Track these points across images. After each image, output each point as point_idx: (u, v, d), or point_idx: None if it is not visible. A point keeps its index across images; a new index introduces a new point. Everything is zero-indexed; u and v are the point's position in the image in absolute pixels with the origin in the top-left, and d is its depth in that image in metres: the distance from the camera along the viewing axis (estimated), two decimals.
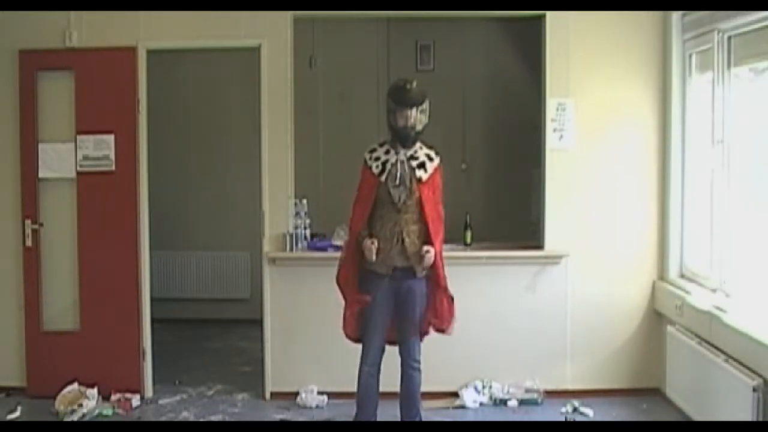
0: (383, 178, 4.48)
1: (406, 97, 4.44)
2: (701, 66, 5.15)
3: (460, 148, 7.44)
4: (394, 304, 4.53)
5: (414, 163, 4.50)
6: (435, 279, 4.54)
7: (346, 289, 4.58)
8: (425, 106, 4.49)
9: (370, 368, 4.56)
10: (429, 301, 4.56)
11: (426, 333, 4.64)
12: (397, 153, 4.52)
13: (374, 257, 4.43)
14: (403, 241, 4.45)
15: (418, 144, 4.56)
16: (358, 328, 4.60)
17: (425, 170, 4.50)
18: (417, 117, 4.45)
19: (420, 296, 4.53)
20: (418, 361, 4.56)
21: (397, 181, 4.46)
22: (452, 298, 4.59)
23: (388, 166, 4.49)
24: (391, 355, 4.60)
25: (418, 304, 4.53)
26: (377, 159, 4.54)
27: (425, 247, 4.42)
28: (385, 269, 4.49)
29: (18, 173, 5.60)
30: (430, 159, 4.54)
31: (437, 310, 4.57)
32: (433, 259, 4.44)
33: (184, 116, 7.75)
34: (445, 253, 5.57)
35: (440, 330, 4.63)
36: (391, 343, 4.61)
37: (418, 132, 4.50)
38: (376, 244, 4.43)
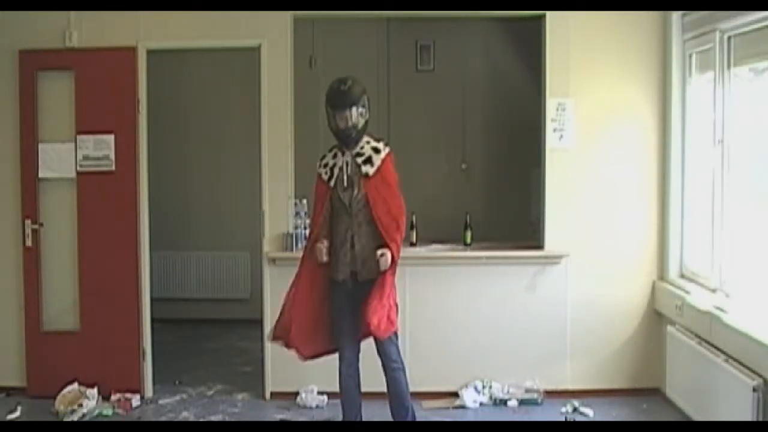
0: (332, 183, 4.45)
1: (342, 99, 4.39)
2: (701, 66, 5.15)
3: (460, 148, 7.45)
4: (358, 305, 4.44)
5: (360, 160, 4.45)
6: (381, 279, 4.37)
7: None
8: (364, 101, 4.43)
9: (347, 369, 4.55)
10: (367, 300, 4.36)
11: (365, 335, 4.47)
12: (343, 154, 4.49)
13: (324, 258, 4.42)
14: (353, 245, 4.42)
15: (365, 139, 4.51)
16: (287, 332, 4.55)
17: (371, 164, 4.43)
18: (356, 116, 4.40)
19: None
20: (397, 361, 4.52)
21: (345, 184, 4.43)
22: (397, 306, 4.47)
23: (336, 170, 4.46)
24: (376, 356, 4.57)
25: None
26: (326, 165, 4.51)
27: (380, 251, 4.35)
28: (341, 275, 4.47)
29: (18, 173, 5.60)
30: (377, 151, 4.47)
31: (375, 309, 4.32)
32: (389, 262, 4.34)
33: (184, 116, 7.75)
34: (445, 253, 5.63)
35: (370, 333, 4.37)
36: (367, 335, 4.52)
37: (361, 130, 4.45)
38: (326, 244, 4.42)
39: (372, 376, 4.57)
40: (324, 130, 7.74)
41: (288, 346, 4.61)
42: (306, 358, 4.64)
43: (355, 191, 4.42)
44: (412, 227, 5.70)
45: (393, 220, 4.42)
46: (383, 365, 4.52)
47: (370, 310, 4.30)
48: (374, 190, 4.41)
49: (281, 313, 4.62)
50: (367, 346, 4.57)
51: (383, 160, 4.45)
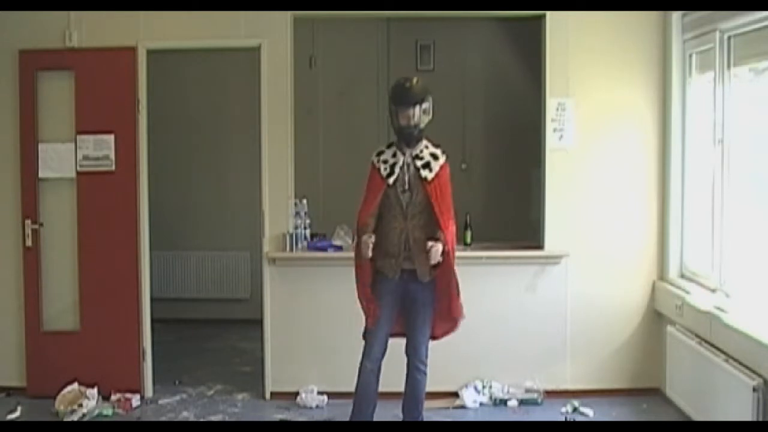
0: (391, 180, 4.46)
1: (406, 97, 4.42)
2: (701, 66, 5.15)
3: (460, 148, 7.44)
4: (401, 304, 4.52)
5: (419, 163, 4.48)
6: (446, 275, 4.45)
7: (363, 288, 4.55)
8: (427, 103, 4.47)
9: (372, 365, 4.52)
10: (437, 302, 4.53)
11: (435, 336, 4.60)
12: (403, 154, 4.50)
13: (369, 253, 4.41)
14: (409, 248, 4.44)
15: (424, 143, 4.54)
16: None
17: (430, 170, 4.47)
18: (419, 115, 4.42)
19: (428, 297, 4.51)
20: (425, 363, 4.54)
21: (406, 186, 4.45)
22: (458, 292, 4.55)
23: (396, 169, 4.47)
24: (395, 355, 4.58)
25: (428, 304, 4.51)
26: (385, 162, 4.51)
27: (429, 243, 4.36)
28: (392, 273, 4.49)
29: (18, 173, 5.60)
30: (435, 158, 4.51)
31: (447, 309, 4.53)
32: (439, 253, 4.36)
33: (184, 116, 7.75)
34: None
35: (452, 321, 4.57)
36: (396, 335, 4.58)
37: (422, 130, 4.48)
38: (373, 239, 4.41)
39: (382, 376, 4.59)
40: (324, 130, 7.79)
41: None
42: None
43: (414, 194, 4.44)
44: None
45: (448, 216, 4.48)
46: (409, 365, 4.54)
47: (440, 313, 4.52)
48: (437, 191, 4.45)
49: (366, 313, 4.57)
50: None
51: (441, 167, 4.49)
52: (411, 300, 4.51)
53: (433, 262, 4.38)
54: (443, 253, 4.38)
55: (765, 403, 4.06)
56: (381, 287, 4.52)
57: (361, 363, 4.54)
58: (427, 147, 4.54)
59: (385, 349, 4.55)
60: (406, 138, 4.48)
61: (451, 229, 4.48)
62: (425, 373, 4.56)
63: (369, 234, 4.43)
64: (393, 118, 4.48)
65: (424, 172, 4.46)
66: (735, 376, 4.26)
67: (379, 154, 4.56)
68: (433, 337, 4.61)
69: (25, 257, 5.62)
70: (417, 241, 4.44)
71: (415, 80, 4.47)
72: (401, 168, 4.47)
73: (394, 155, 4.52)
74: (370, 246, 4.40)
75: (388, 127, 6.99)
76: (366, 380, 4.54)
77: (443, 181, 4.51)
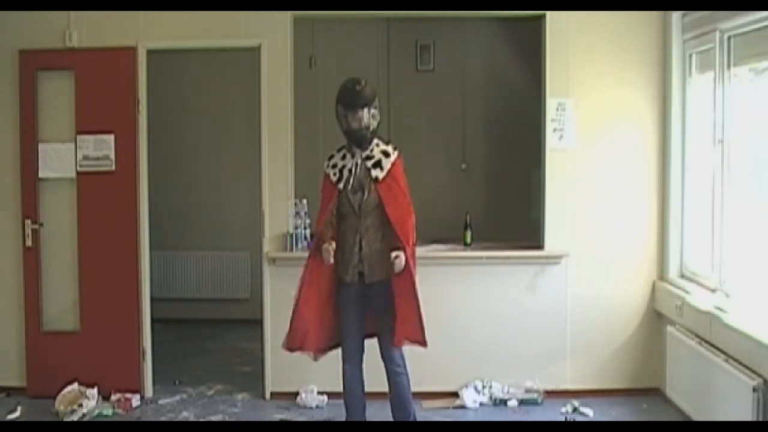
0: (341, 185, 4.43)
1: (357, 99, 4.37)
2: (701, 66, 5.15)
3: (460, 148, 7.45)
4: (364, 306, 4.49)
5: (369, 163, 4.43)
6: (404, 283, 4.35)
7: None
8: (376, 102, 4.43)
9: (351, 368, 4.53)
10: (394, 307, 4.39)
11: (398, 344, 4.45)
12: (353, 156, 4.46)
13: (331, 260, 4.37)
14: (361, 248, 4.41)
15: (375, 141, 4.49)
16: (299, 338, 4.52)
17: (381, 168, 4.41)
18: (369, 117, 4.39)
19: (388, 301, 4.42)
20: (401, 365, 4.51)
21: (355, 187, 4.41)
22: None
23: (345, 172, 4.43)
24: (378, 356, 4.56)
25: (388, 308, 4.42)
26: (335, 166, 4.48)
27: (393, 253, 4.31)
28: (350, 277, 4.46)
29: (18, 173, 5.60)
30: (387, 155, 4.45)
31: (404, 317, 4.36)
32: (403, 264, 4.31)
33: (184, 116, 7.75)
34: (445, 253, 5.63)
35: (416, 341, 4.39)
36: (370, 336, 4.56)
37: (373, 131, 4.44)
38: (333, 246, 4.37)
39: (373, 376, 4.58)
40: (324, 130, 7.77)
41: (304, 350, 4.58)
42: (317, 356, 4.59)
43: (365, 194, 4.41)
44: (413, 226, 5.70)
45: (406, 220, 4.42)
46: (387, 370, 4.52)
47: (399, 317, 4.34)
48: (387, 190, 4.40)
49: (292, 321, 4.53)
50: (369, 346, 4.57)
51: (393, 164, 4.45)
52: (374, 302, 4.48)
53: (397, 271, 4.32)
54: (405, 263, 4.31)
55: (765, 403, 4.06)
56: (342, 293, 4.51)
57: (342, 367, 4.55)
58: (378, 145, 4.49)
59: (362, 351, 4.54)
60: (358, 140, 4.44)
61: (408, 229, 4.39)
62: (404, 374, 4.53)
63: (328, 242, 4.39)
64: (342, 120, 4.42)
65: (375, 172, 4.41)
66: (735, 376, 4.26)
67: (330, 158, 4.53)
68: (395, 344, 4.43)
69: (25, 257, 5.62)
70: (370, 240, 4.41)
71: (363, 82, 4.42)
72: (350, 170, 4.43)
73: (344, 158, 4.49)
74: (331, 252, 4.36)
75: (388, 127, 7.05)
76: (350, 384, 4.56)
77: (397, 176, 4.45)
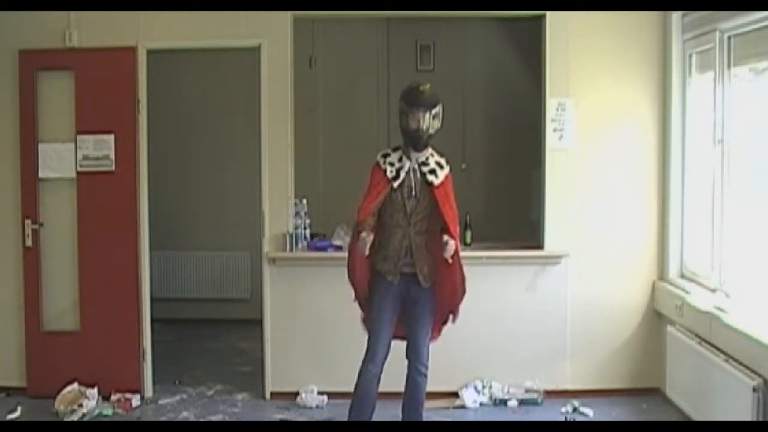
0: (396, 184, 4.43)
1: (419, 99, 4.40)
2: (701, 66, 5.15)
3: (460, 148, 7.44)
4: (401, 305, 4.52)
5: (425, 169, 4.47)
6: (452, 276, 4.46)
7: (358, 284, 4.57)
8: (438, 110, 4.44)
9: (375, 368, 4.48)
10: (437, 305, 4.53)
11: (434, 338, 4.60)
12: (409, 159, 4.48)
13: (366, 251, 4.36)
14: (411, 254, 4.44)
15: (429, 150, 4.52)
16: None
17: (436, 176, 4.47)
18: (429, 121, 4.40)
19: (429, 301, 4.50)
20: (426, 366, 4.52)
21: (412, 191, 4.44)
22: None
23: (402, 173, 4.44)
24: (395, 355, 4.56)
25: (428, 307, 4.50)
26: (392, 164, 4.48)
27: (445, 237, 4.34)
28: (392, 276, 4.47)
29: (18, 173, 5.60)
30: (441, 167, 4.50)
31: (449, 306, 4.54)
32: (453, 249, 4.34)
33: (184, 116, 7.75)
34: None
35: (452, 308, 4.56)
36: (397, 338, 4.58)
37: (430, 136, 4.46)
38: (371, 237, 4.36)
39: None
40: (324, 130, 7.79)
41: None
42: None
43: (419, 199, 4.43)
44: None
45: (455, 220, 4.48)
46: (410, 367, 4.52)
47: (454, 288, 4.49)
48: (443, 196, 4.45)
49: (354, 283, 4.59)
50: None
51: (446, 176, 4.50)
52: (412, 303, 4.50)
53: (447, 255, 4.35)
54: (454, 253, 4.36)
55: (765, 403, 4.06)
56: (381, 289, 4.51)
57: (364, 366, 4.49)
58: (432, 155, 4.53)
59: (387, 352, 4.53)
60: (414, 141, 4.45)
61: (455, 229, 4.47)
62: (426, 376, 4.55)
63: (368, 232, 4.38)
64: (402, 118, 4.44)
65: (431, 177, 4.45)
66: (735, 376, 4.26)
67: (385, 156, 4.53)
68: (432, 339, 4.60)
69: (25, 257, 5.62)
70: (419, 246, 4.44)
71: (428, 86, 4.47)
72: (407, 173, 4.46)
73: (400, 159, 4.49)
74: (368, 243, 4.35)
75: (388, 127, 7.05)
76: (367, 384, 4.50)
77: (448, 189, 4.51)
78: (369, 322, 4.57)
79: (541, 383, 5.50)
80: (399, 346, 4.59)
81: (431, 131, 4.44)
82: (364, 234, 4.36)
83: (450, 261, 4.39)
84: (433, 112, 4.42)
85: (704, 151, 5.03)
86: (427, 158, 4.51)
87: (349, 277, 4.58)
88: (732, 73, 4.70)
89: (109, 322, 5.60)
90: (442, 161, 4.54)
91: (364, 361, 4.50)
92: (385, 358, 4.52)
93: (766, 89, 4.51)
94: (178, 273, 7.86)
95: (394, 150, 4.56)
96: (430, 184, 4.44)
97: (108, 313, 5.60)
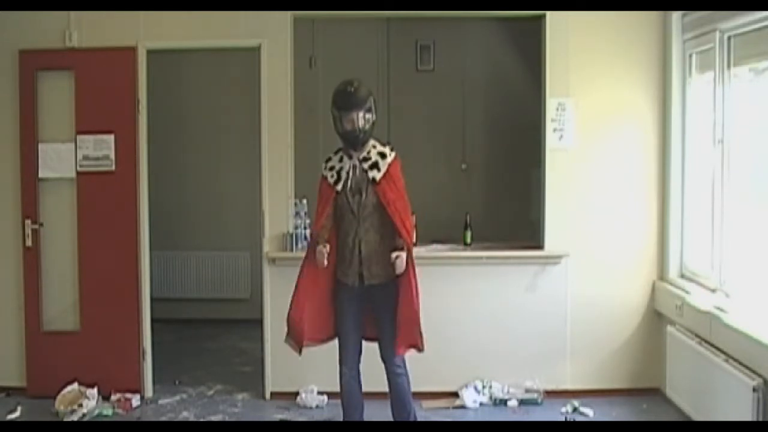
0: (339, 187, 4.41)
1: (350, 102, 4.35)
2: (701, 66, 5.15)
3: (460, 148, 7.45)
4: (364, 306, 4.48)
5: (366, 165, 4.41)
6: (404, 287, 4.35)
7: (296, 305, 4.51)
8: (370, 103, 4.40)
9: (349, 370, 4.52)
10: (395, 309, 4.39)
11: (400, 353, 4.44)
12: (350, 158, 4.45)
13: (325, 263, 4.35)
14: (360, 251, 4.39)
15: (371, 143, 4.48)
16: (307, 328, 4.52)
17: (378, 169, 4.40)
18: (364, 118, 4.37)
19: (390, 301, 4.41)
20: (401, 367, 4.50)
21: (353, 189, 4.39)
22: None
23: (343, 174, 4.42)
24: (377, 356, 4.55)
25: (390, 307, 4.41)
26: (332, 168, 4.46)
27: (394, 253, 4.31)
28: (350, 280, 4.45)
29: (18, 173, 5.60)
30: (383, 156, 4.43)
31: (405, 323, 4.35)
32: (404, 264, 4.31)
33: (184, 116, 7.75)
34: (445, 253, 5.63)
35: (414, 346, 4.42)
36: (369, 339, 4.55)
37: (368, 132, 4.42)
38: (327, 248, 4.35)
39: (372, 376, 4.57)
40: (324, 130, 7.76)
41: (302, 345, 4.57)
42: (308, 344, 4.54)
43: (363, 196, 4.39)
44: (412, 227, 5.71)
45: (407, 219, 4.43)
46: (387, 370, 4.51)
47: (401, 323, 4.34)
48: (388, 191, 4.38)
49: (288, 319, 4.54)
50: (367, 346, 4.57)
51: (390, 165, 4.43)
52: (374, 305, 4.47)
53: (398, 272, 4.33)
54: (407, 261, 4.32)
55: (765, 403, 4.06)
56: (341, 294, 4.50)
57: (340, 369, 4.54)
58: (374, 147, 4.47)
59: (359, 353, 4.53)
60: (353, 142, 4.42)
61: (408, 229, 4.43)
62: (404, 374, 4.52)
63: (323, 244, 4.37)
64: (337, 123, 4.41)
65: (372, 173, 4.39)
66: (735, 376, 4.26)
67: (327, 161, 4.52)
68: (396, 352, 4.42)
69: (25, 257, 5.62)
70: (368, 243, 4.40)
71: (356, 83, 4.40)
72: (348, 172, 4.42)
73: (341, 160, 4.47)
74: (326, 254, 4.33)
75: (388, 127, 7.05)
76: (348, 386, 4.55)
77: (395, 177, 4.43)
78: (337, 327, 4.54)
79: (541, 383, 5.50)
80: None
81: (367, 126, 4.40)
82: (319, 247, 4.36)
83: (400, 272, 4.33)
84: (366, 107, 4.38)
85: (704, 151, 5.03)
86: (368, 152, 4.45)
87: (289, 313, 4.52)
88: (732, 73, 4.70)
89: (109, 322, 5.60)
90: (386, 150, 4.47)
91: (339, 365, 4.54)
92: (359, 360, 4.53)
93: (766, 89, 4.50)
94: (177, 273, 7.86)
95: (336, 152, 4.53)
96: (372, 180, 4.38)
97: (108, 313, 5.60)
